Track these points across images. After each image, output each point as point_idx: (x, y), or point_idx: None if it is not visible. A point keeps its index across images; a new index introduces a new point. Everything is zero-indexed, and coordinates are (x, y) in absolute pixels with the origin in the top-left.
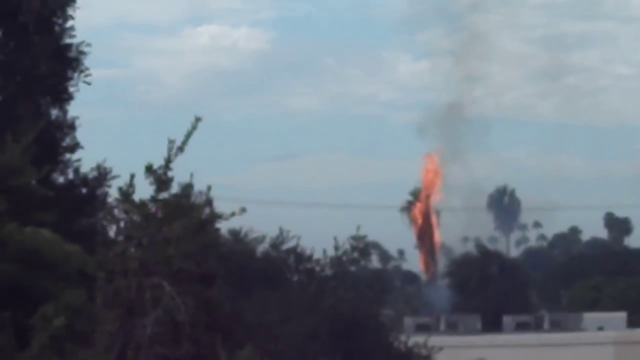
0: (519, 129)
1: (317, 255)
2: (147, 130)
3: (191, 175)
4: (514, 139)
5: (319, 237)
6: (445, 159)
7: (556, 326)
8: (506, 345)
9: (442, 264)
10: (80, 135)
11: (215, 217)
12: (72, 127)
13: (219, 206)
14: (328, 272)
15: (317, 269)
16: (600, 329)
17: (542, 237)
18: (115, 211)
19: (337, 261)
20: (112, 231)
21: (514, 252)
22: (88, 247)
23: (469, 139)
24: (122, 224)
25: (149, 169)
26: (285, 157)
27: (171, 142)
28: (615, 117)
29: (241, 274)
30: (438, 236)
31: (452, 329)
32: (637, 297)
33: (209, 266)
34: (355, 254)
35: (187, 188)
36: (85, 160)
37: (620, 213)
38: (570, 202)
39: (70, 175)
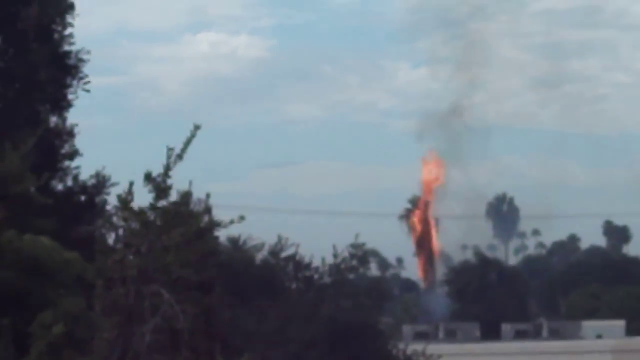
0: (519, 137)
1: (316, 262)
2: (146, 137)
3: (190, 182)
4: (514, 146)
5: (318, 244)
6: (445, 167)
7: (555, 334)
8: (505, 353)
9: (440, 271)
10: (79, 142)
11: (214, 224)
12: (71, 134)
13: (218, 214)
14: (327, 279)
15: (316, 276)
16: (599, 337)
17: (540, 245)
18: (114, 219)
19: (335, 269)
20: (110, 239)
21: (513, 260)
22: (87, 254)
23: (468, 146)
24: (120, 232)
25: (148, 177)
26: (284, 164)
27: (170, 149)
28: (615, 125)
29: (240, 281)
30: (437, 244)
31: (450, 336)
32: (635, 305)
33: (208, 274)
34: (354, 262)
35: (186, 196)
36: (84, 167)
37: (619, 221)
38: (569, 210)
39: (69, 183)
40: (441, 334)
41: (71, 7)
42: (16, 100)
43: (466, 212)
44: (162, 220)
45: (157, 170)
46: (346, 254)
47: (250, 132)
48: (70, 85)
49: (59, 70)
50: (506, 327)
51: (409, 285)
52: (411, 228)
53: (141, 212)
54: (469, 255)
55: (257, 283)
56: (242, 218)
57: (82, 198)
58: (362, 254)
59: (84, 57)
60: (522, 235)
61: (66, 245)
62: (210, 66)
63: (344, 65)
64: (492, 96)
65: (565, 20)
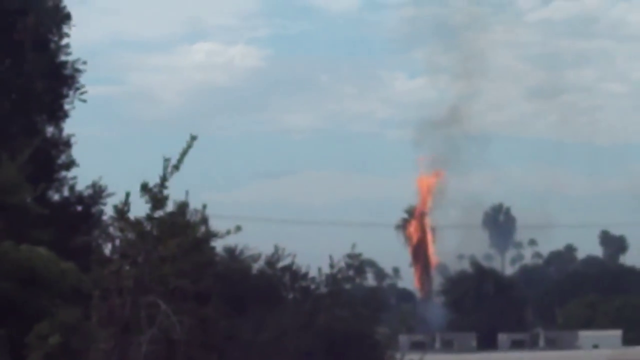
0: (515, 146)
1: (313, 273)
2: (143, 147)
3: (186, 193)
4: (510, 156)
5: (315, 254)
6: (441, 177)
7: (551, 344)
8: None
9: (437, 281)
10: (75, 152)
11: (211, 235)
12: (67, 144)
13: (215, 224)
14: (323, 290)
15: (313, 286)
16: (596, 346)
17: (537, 255)
18: (111, 229)
19: (332, 279)
20: (107, 249)
21: (509, 270)
22: (83, 265)
23: (465, 156)
24: (117, 242)
25: (144, 187)
26: (280, 174)
27: (167, 160)
28: (611, 135)
29: (236, 292)
30: (433, 254)
31: (447, 346)
32: (632, 315)
33: (205, 284)
34: (351, 272)
35: (183, 206)
36: (81, 178)
37: (615, 231)
38: (566, 220)
39: (66, 193)
40: (438, 344)
41: (67, 17)
42: (12, 110)
43: (463, 221)
44: (159, 230)
45: (153, 180)
46: (343, 264)
47: (246, 142)
48: (66, 96)
49: (56, 81)
50: (503, 337)
51: (405, 295)
52: (408, 238)
53: (138, 223)
54: (466, 265)
55: (254, 293)
56: (238, 228)
57: (79, 208)
58: (358, 264)
59: (80, 67)
60: (519, 245)
61: (63, 255)
62: (207, 76)
63: (341, 75)
64: (489, 106)
65: (562, 30)
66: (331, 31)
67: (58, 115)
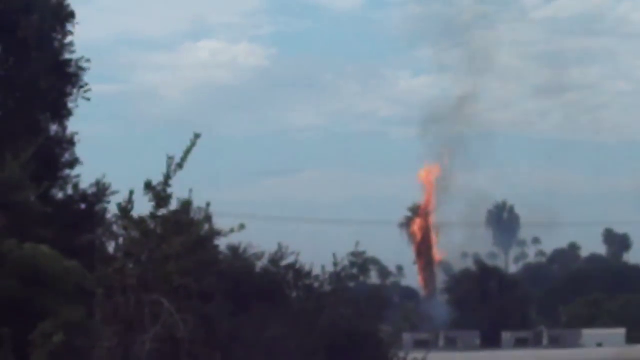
0: (520, 144)
1: (316, 271)
2: (147, 145)
3: (190, 191)
4: (515, 154)
5: (318, 252)
6: (445, 175)
7: (555, 342)
8: None
9: (441, 280)
10: (79, 151)
11: (215, 233)
12: (71, 142)
13: (218, 222)
14: (327, 288)
15: (316, 285)
16: (600, 345)
17: (541, 253)
18: (115, 227)
19: (336, 277)
20: (111, 247)
21: (513, 269)
22: (87, 263)
23: (469, 154)
24: (121, 241)
25: (148, 186)
26: (284, 172)
27: (170, 158)
28: (616, 133)
29: (240, 290)
30: (437, 252)
31: (451, 345)
32: (636, 313)
33: (208, 283)
34: (354, 270)
35: (186, 204)
36: (85, 176)
37: (619, 229)
38: (570, 218)
39: (70, 191)
40: (441, 342)
41: (71, 15)
42: (16, 108)
43: (466, 220)
44: (163, 229)
45: (157, 179)
46: (346, 262)
47: (250, 141)
48: (70, 94)
49: (60, 79)
50: (506, 336)
51: (409, 294)
52: (411, 236)
53: (141, 221)
54: (469, 263)
55: (257, 292)
56: (242, 226)
57: (83, 207)
58: (362, 262)
59: (84, 65)
60: (523, 243)
61: (66, 254)
62: (211, 74)
63: (345, 73)
64: (493, 104)
65: (566, 28)
66: (335, 29)
67: (62, 113)
